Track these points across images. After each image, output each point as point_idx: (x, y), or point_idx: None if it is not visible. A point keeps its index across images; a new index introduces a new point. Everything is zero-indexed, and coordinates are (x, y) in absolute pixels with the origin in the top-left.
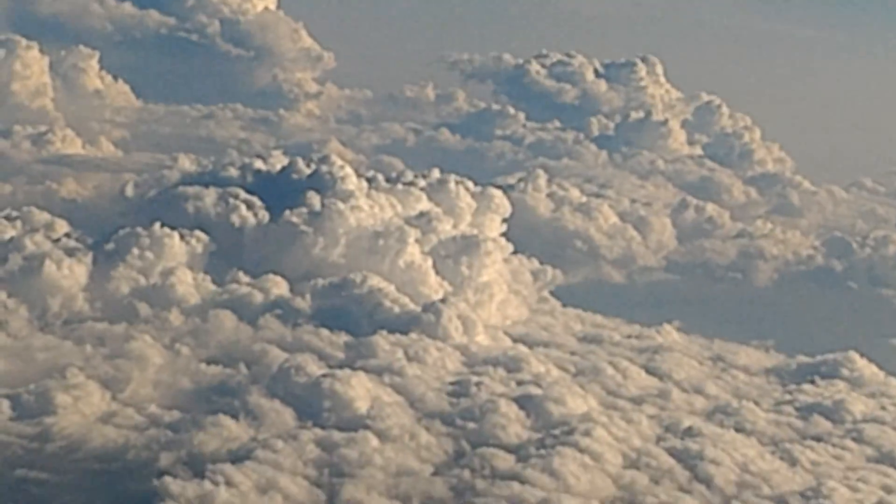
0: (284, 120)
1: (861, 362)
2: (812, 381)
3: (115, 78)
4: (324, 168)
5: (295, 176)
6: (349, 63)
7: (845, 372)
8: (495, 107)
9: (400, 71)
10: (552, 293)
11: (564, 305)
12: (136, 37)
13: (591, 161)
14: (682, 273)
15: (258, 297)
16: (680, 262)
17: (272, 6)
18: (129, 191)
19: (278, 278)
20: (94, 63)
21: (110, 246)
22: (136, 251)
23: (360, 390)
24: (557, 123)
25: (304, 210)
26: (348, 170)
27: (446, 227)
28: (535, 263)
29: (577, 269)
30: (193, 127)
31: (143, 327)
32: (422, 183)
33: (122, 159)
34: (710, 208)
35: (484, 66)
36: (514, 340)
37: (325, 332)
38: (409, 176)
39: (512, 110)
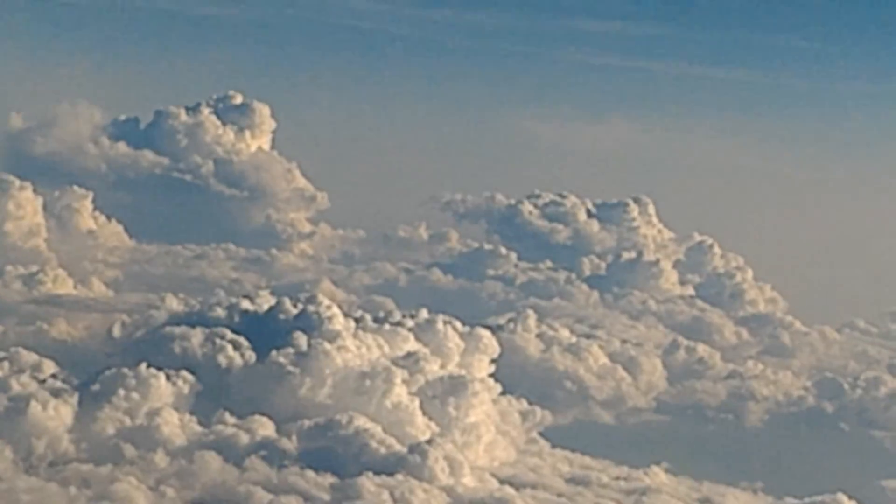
0: (277, 260)
1: None
2: None
3: (109, 218)
4: (311, 308)
5: (282, 316)
6: (343, 203)
7: None
8: (487, 247)
9: (393, 211)
10: (541, 434)
11: (553, 446)
12: (130, 177)
13: (583, 301)
14: (673, 414)
15: (244, 439)
16: (670, 402)
17: (266, 147)
18: (117, 331)
19: (265, 419)
20: (88, 203)
21: (96, 387)
22: (122, 392)
23: None
24: (549, 263)
25: (290, 350)
26: (335, 310)
27: (434, 368)
28: (524, 404)
29: (567, 409)
30: (185, 267)
31: (129, 469)
32: (410, 323)
33: (113, 299)
34: (701, 349)
35: (476, 207)
36: (502, 482)
37: (310, 473)
38: (398, 316)
39: (504, 250)
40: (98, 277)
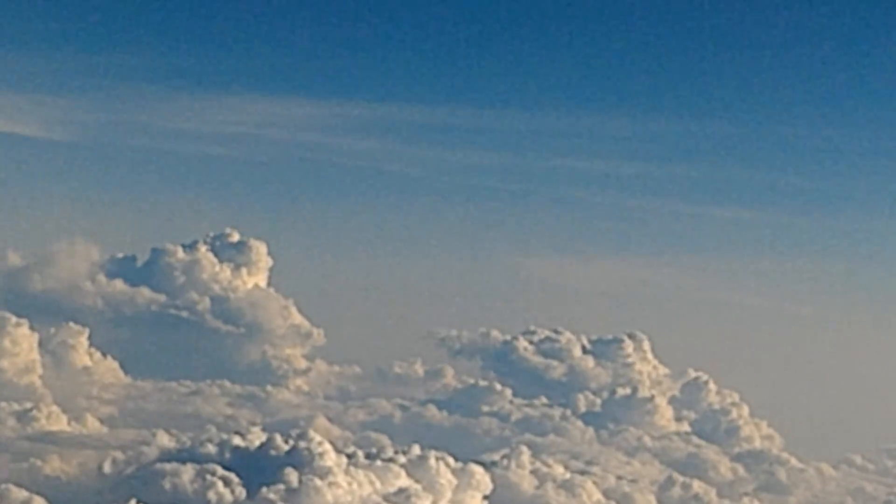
0: (271, 396)
1: None
2: None
3: (105, 355)
4: (302, 444)
5: (273, 452)
6: (338, 339)
7: None
8: (482, 383)
9: (389, 347)
10: None
11: None
12: (127, 314)
13: (578, 438)
14: None
15: None
16: None
17: (262, 284)
18: (107, 468)
19: None
20: (84, 340)
21: None
22: None
23: None
24: (544, 400)
25: (281, 487)
26: (327, 446)
27: None
28: None
29: None
30: (180, 403)
31: None
32: (402, 459)
33: (106, 436)
34: (697, 485)
35: (471, 343)
36: None
37: None
38: (390, 452)
39: (498, 387)
40: (93, 414)
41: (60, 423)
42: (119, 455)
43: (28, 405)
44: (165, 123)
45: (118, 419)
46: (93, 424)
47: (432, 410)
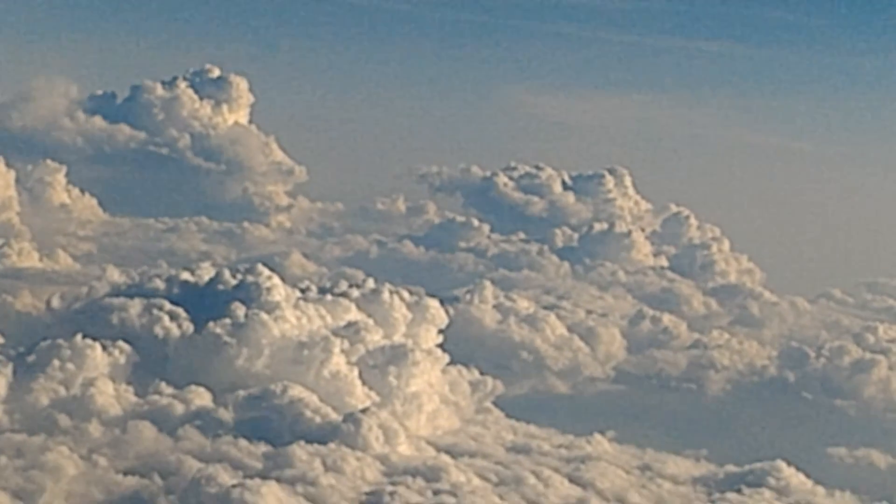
0: (248, 232)
1: (788, 471)
2: (738, 490)
3: (83, 192)
4: (250, 279)
5: (221, 287)
6: (321, 176)
7: (772, 481)
8: (459, 219)
9: (372, 184)
10: (496, 404)
11: (508, 416)
12: (106, 151)
13: (552, 273)
14: (631, 384)
15: (179, 409)
16: (631, 372)
17: (243, 120)
18: (56, 302)
19: (202, 389)
20: (61, 177)
21: (32, 358)
22: (56, 363)
23: (270, 500)
24: (522, 235)
25: (227, 321)
26: (276, 280)
27: (375, 338)
28: (475, 374)
29: (523, 380)
30: (157, 240)
31: (62, 439)
32: (355, 293)
33: (78, 272)
34: (667, 319)
35: (452, 179)
36: (440, 450)
37: (243, 442)
38: (343, 286)
39: (476, 222)
40: (69, 250)
41: (31, 260)
42: (64, 290)
43: (0, 241)
44: None
45: (95, 256)
46: (65, 261)
47: (409, 246)
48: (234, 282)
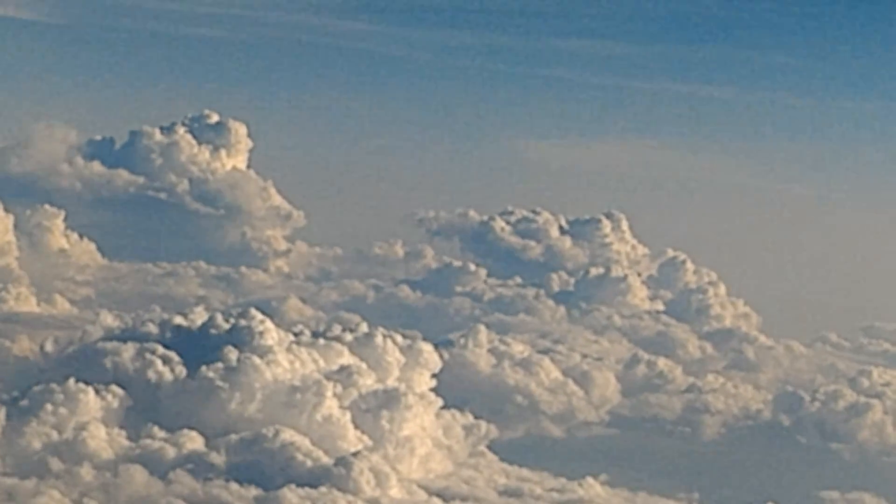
0: (245, 277)
1: None
2: None
3: (81, 237)
4: (243, 323)
5: (214, 331)
6: (319, 221)
7: None
8: (456, 263)
9: (370, 228)
10: (490, 448)
11: (502, 460)
12: (105, 196)
13: (548, 317)
14: (626, 427)
15: (171, 452)
16: (625, 416)
17: (242, 165)
18: (49, 347)
19: (194, 433)
20: (60, 222)
21: (25, 402)
22: (49, 407)
23: None
24: (519, 280)
25: (220, 365)
26: (269, 325)
27: (367, 382)
28: (469, 418)
29: (517, 424)
30: (154, 285)
31: (54, 482)
32: (349, 337)
33: (75, 317)
34: (662, 363)
35: (450, 224)
36: (432, 494)
37: (235, 486)
38: (337, 330)
39: (473, 267)
40: (68, 295)
41: (29, 304)
42: (61, 334)
43: None
44: (154, 5)
45: (94, 300)
46: (62, 305)
47: (406, 290)
48: (226, 326)
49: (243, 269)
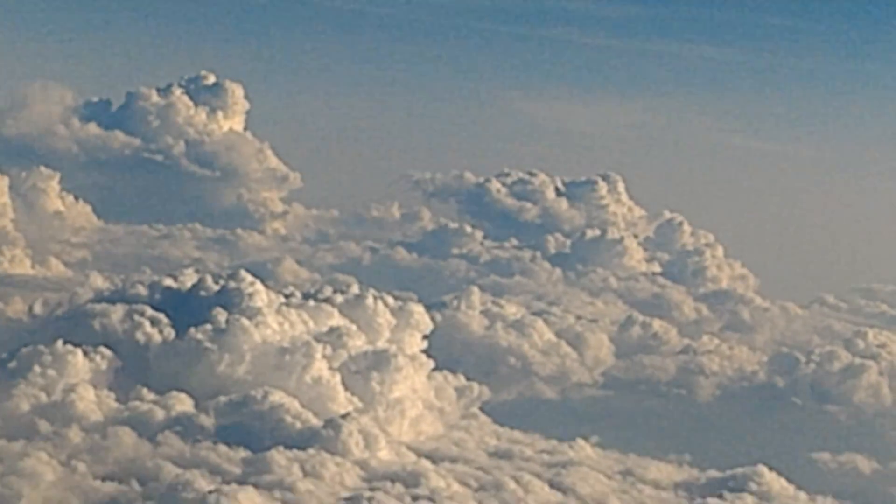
0: (241, 239)
1: (770, 476)
2: (719, 495)
3: (77, 199)
4: (232, 285)
5: (203, 293)
6: (316, 183)
7: (753, 486)
8: (452, 225)
9: (367, 190)
10: (483, 410)
11: (494, 422)
12: (101, 158)
13: (544, 279)
14: (619, 389)
15: (160, 414)
16: (619, 378)
17: (238, 127)
18: (38, 308)
19: (183, 395)
20: (55, 184)
21: (13, 364)
22: (38, 368)
23: None
24: (515, 241)
25: (209, 327)
26: (258, 286)
27: (358, 343)
28: (461, 380)
29: (510, 385)
30: (150, 247)
31: (42, 444)
32: (339, 299)
33: (69, 279)
34: (657, 325)
35: (446, 185)
36: (422, 456)
37: (223, 448)
38: (327, 292)
39: (469, 229)
40: (63, 257)
41: (24, 267)
42: (55, 296)
43: None
44: None
45: (89, 263)
46: (57, 267)
47: (402, 253)
48: (216, 288)
49: (239, 231)
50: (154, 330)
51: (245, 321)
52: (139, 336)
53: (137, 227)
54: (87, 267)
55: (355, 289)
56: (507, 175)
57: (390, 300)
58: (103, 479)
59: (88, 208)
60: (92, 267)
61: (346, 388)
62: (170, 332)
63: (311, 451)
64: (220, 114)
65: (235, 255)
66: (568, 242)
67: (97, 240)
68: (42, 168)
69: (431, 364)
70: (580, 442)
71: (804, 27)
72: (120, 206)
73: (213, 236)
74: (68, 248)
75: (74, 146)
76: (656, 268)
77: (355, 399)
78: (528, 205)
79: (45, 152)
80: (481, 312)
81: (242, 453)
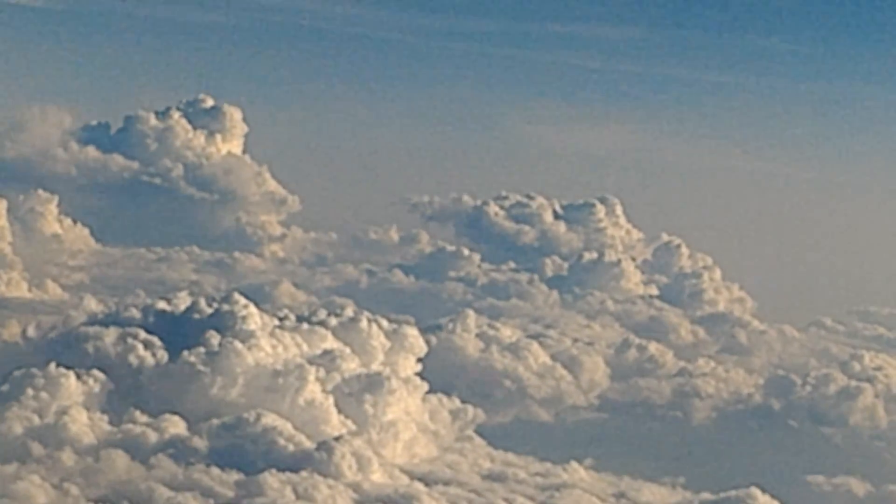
0: (238, 262)
1: (763, 499)
2: None
3: (75, 222)
4: (225, 308)
5: (196, 316)
6: (314, 206)
7: None
8: (450, 248)
9: (365, 213)
10: (478, 433)
11: (489, 445)
12: (99, 181)
13: (541, 302)
14: (615, 412)
15: (153, 437)
16: (615, 400)
17: (237, 150)
18: (32, 331)
19: (176, 418)
20: (53, 207)
21: (5, 387)
22: (30, 391)
23: None
24: (512, 264)
25: (202, 350)
26: (252, 309)
27: (351, 366)
28: (456, 402)
29: (505, 408)
30: (147, 270)
31: (34, 467)
32: (333, 322)
33: (66, 302)
34: (653, 347)
35: (444, 208)
36: (415, 479)
37: (216, 470)
38: (322, 315)
39: (466, 252)
40: (61, 280)
41: (20, 290)
42: (51, 320)
43: None
44: None
45: (87, 286)
46: (54, 291)
47: (399, 275)
48: (209, 310)
49: (237, 254)
50: (147, 353)
51: (238, 344)
52: (132, 359)
53: (135, 250)
54: (84, 290)
55: (349, 311)
56: (505, 198)
57: (384, 323)
58: (96, 502)
59: (86, 231)
60: (89, 290)
61: (340, 411)
62: (163, 355)
63: (303, 473)
64: (218, 137)
65: (233, 278)
66: (565, 265)
67: (95, 263)
68: (40, 191)
69: (425, 387)
70: (574, 465)
71: (801, 50)
72: (118, 229)
73: (211, 259)
74: (66, 271)
75: (73, 169)
76: (654, 290)
77: (348, 422)
78: (526, 228)
79: (44, 175)
80: (477, 335)
81: (235, 476)
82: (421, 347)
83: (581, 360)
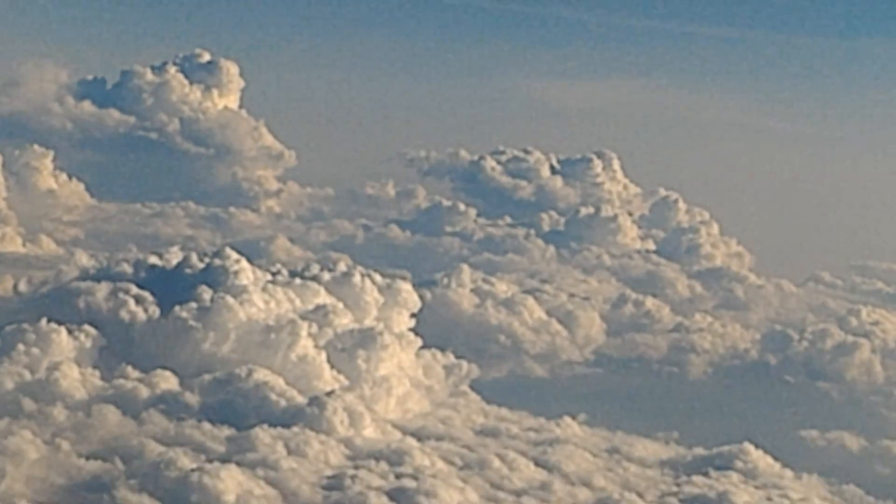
0: (235, 217)
1: (756, 454)
2: (706, 473)
3: (70, 177)
4: (217, 263)
5: (188, 271)
6: (311, 161)
7: (739, 464)
8: (446, 203)
9: (362, 168)
10: (473, 388)
11: (484, 400)
12: (95, 136)
13: (537, 256)
14: (610, 367)
15: (144, 392)
16: (610, 356)
17: (233, 105)
18: (23, 286)
19: (168, 373)
20: (48, 162)
21: None
22: (22, 346)
23: (229, 484)
24: (509, 219)
25: (193, 305)
26: (244, 264)
27: (344, 321)
28: (451, 358)
29: (500, 363)
30: (142, 225)
31: (26, 422)
32: (326, 277)
33: (60, 257)
34: (650, 302)
35: (440, 163)
36: (407, 434)
37: (207, 426)
38: (315, 270)
39: (463, 207)
40: (56, 235)
41: (15, 245)
42: (38, 274)
43: None
44: None
45: (82, 241)
46: (48, 246)
47: (395, 231)
48: (201, 265)
49: (232, 209)
50: (139, 308)
51: (230, 299)
52: (124, 314)
53: (130, 206)
54: (79, 245)
55: (343, 266)
56: (502, 153)
57: (378, 278)
58: (87, 458)
59: (81, 186)
60: (84, 245)
61: (332, 366)
62: (155, 310)
63: (295, 428)
64: (214, 92)
65: (229, 233)
66: (562, 220)
67: (90, 218)
68: (35, 146)
69: (419, 342)
70: (567, 420)
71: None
72: (113, 184)
73: (207, 214)
74: (61, 227)
75: (68, 124)
76: (650, 245)
77: (341, 377)
78: (523, 182)
79: (39, 130)
80: (472, 290)
81: (227, 431)
82: (415, 302)
83: (577, 315)
